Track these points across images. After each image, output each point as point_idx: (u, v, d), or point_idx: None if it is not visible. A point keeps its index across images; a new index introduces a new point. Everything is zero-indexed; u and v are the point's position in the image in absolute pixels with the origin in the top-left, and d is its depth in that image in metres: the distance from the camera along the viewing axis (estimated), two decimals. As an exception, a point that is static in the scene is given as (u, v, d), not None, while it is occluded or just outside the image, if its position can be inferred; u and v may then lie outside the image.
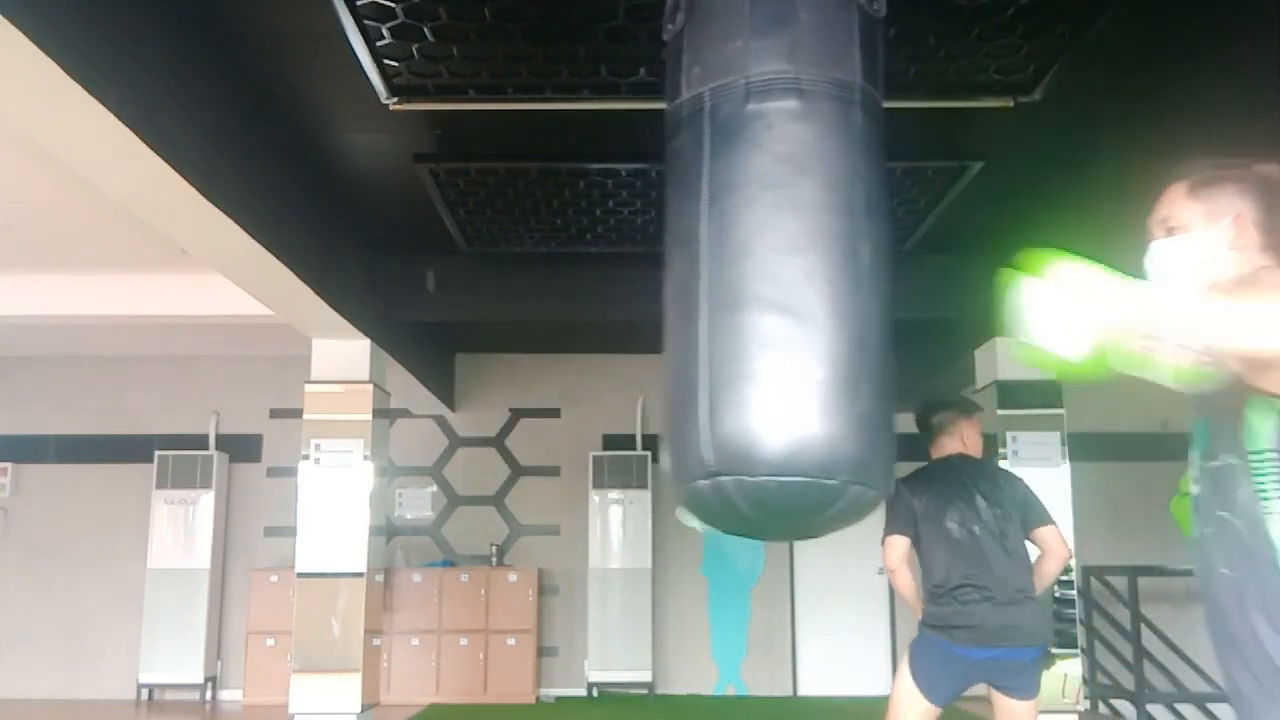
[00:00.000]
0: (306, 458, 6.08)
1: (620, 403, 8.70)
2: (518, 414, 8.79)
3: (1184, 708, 7.33)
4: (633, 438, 8.63)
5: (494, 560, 8.34)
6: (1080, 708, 5.78)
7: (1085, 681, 7.07)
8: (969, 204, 4.94)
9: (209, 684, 8.13)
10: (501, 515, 8.65)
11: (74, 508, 8.52)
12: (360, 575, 5.96)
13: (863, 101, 1.71)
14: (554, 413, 8.78)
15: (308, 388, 6.13)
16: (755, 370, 1.60)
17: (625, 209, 5.03)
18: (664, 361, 1.74)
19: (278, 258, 4.43)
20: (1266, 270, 1.64)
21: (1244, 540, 1.56)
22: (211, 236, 4.12)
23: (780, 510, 1.63)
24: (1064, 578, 5.98)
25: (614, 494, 8.35)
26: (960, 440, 3.65)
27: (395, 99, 3.83)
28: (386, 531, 7.17)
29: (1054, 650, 5.84)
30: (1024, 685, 3.41)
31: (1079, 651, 6.00)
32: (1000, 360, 6.04)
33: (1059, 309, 1.44)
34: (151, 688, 8.07)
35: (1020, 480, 3.63)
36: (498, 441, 8.76)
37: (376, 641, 6.26)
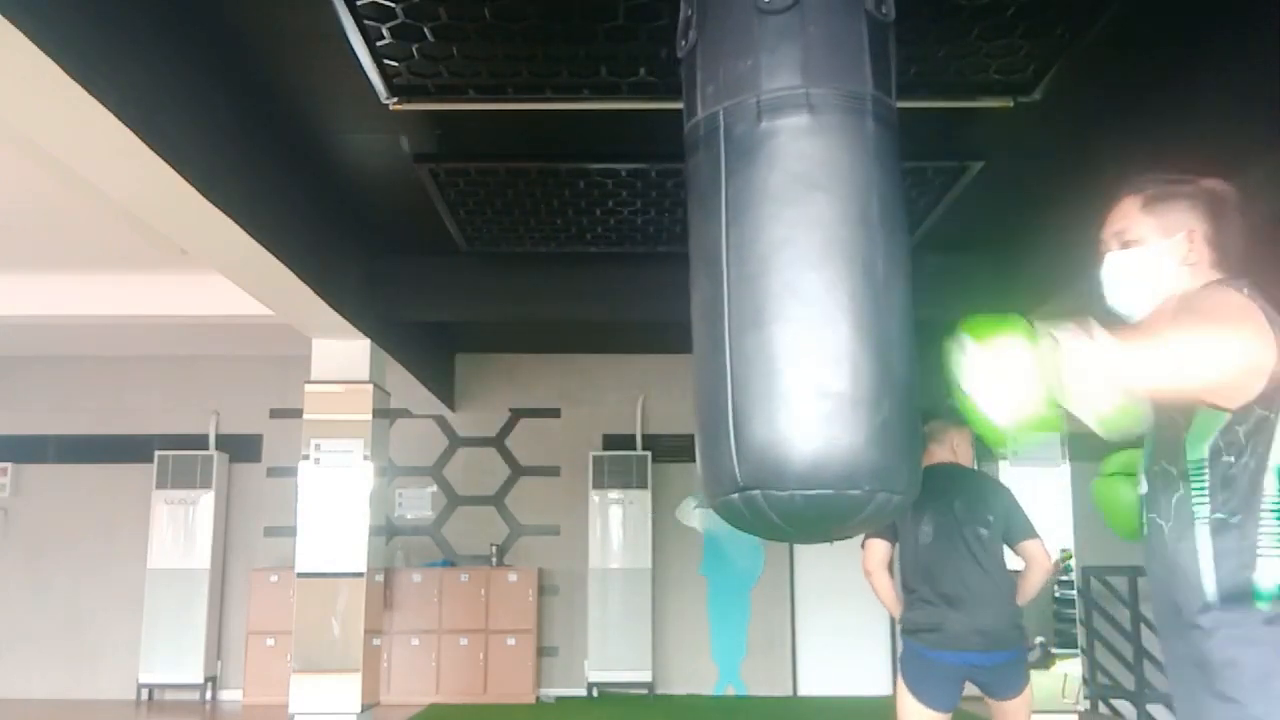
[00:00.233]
0: (306, 458, 6.08)
1: (620, 403, 8.71)
2: (518, 414, 8.79)
3: None
4: (633, 438, 8.63)
5: (494, 560, 8.34)
6: (1080, 708, 5.78)
7: (1085, 681, 7.08)
8: (969, 204, 4.94)
9: (209, 684, 8.13)
10: (501, 515, 8.65)
11: (74, 508, 8.52)
12: (360, 575, 5.96)
13: (874, 110, 1.72)
14: (554, 413, 8.78)
15: (308, 388, 6.13)
16: (778, 385, 1.63)
17: (625, 209, 5.03)
18: (694, 376, 1.78)
19: (278, 258, 4.43)
20: (1207, 292, 1.69)
21: (1169, 544, 1.67)
22: (211, 236, 4.12)
23: (811, 519, 1.67)
24: (1064, 578, 5.98)
25: (614, 494, 8.35)
26: (950, 449, 3.70)
27: (395, 99, 3.83)
28: (386, 531, 7.17)
29: (1054, 650, 5.87)
30: (1005, 686, 3.47)
31: (1079, 651, 6.00)
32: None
33: (998, 380, 1.58)
34: (151, 688, 8.07)
35: (1007, 491, 3.69)
36: (498, 441, 8.76)
37: (376, 641, 6.26)
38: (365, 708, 5.95)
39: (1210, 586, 1.60)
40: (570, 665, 8.33)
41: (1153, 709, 7.08)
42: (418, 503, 8.62)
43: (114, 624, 8.28)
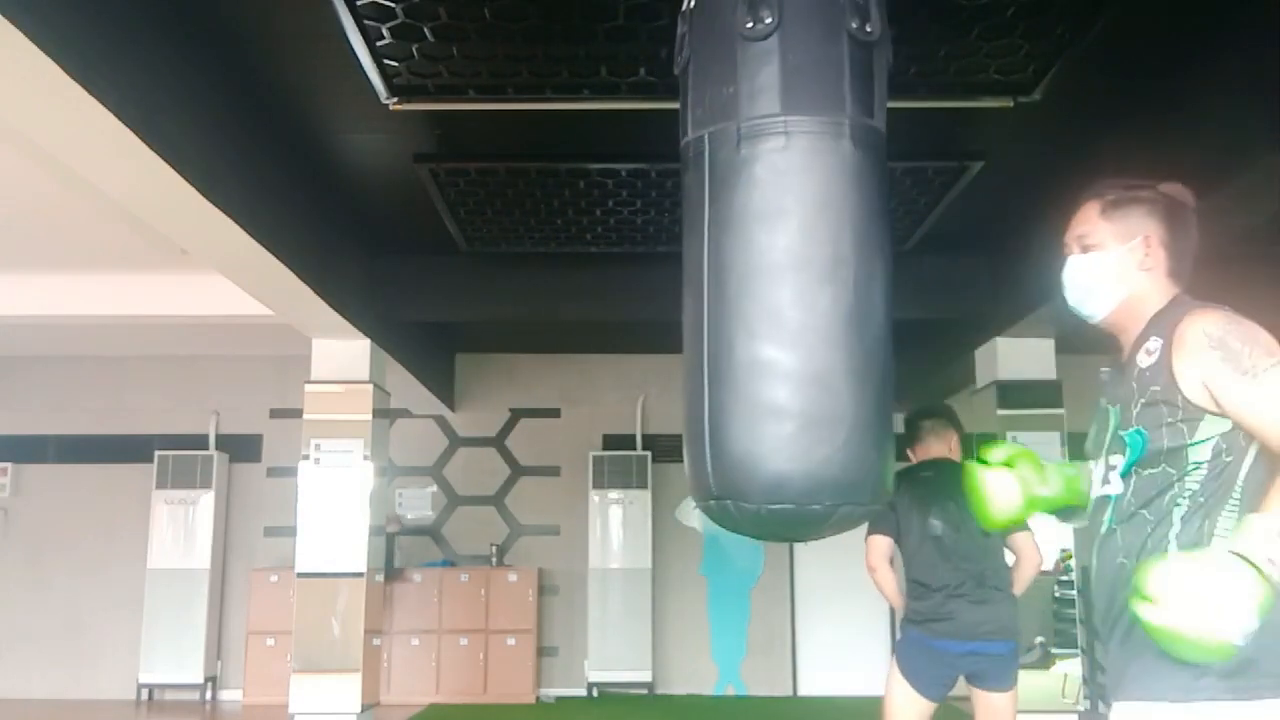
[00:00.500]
0: (306, 458, 6.08)
1: (620, 403, 8.71)
2: (518, 414, 8.79)
3: None
4: (633, 438, 8.63)
5: (494, 560, 8.34)
6: (1080, 707, 5.78)
7: (1085, 681, 7.07)
8: (969, 204, 4.94)
9: (209, 684, 8.13)
10: (501, 515, 8.65)
11: (74, 508, 8.52)
12: (360, 575, 5.96)
13: (853, 134, 1.77)
14: (554, 413, 8.78)
15: (308, 388, 6.13)
16: (747, 403, 1.71)
17: (625, 209, 5.03)
18: (682, 386, 1.87)
19: (278, 258, 4.43)
20: (1232, 341, 1.73)
21: (1149, 537, 1.76)
22: (211, 236, 4.12)
23: (777, 529, 1.78)
24: (1064, 578, 5.98)
25: (614, 494, 8.35)
26: (946, 445, 3.82)
27: (395, 99, 3.83)
28: (386, 531, 7.16)
29: (1054, 650, 5.87)
30: (1000, 677, 3.58)
31: (1079, 651, 6.00)
32: (1000, 360, 6.05)
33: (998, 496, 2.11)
34: (151, 688, 8.07)
35: None
36: (498, 441, 8.76)
37: (376, 641, 6.26)
38: (365, 708, 5.95)
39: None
40: (570, 665, 8.33)
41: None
42: (418, 503, 8.62)
43: (114, 624, 8.28)
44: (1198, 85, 3.71)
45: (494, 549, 8.40)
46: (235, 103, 3.97)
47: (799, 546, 8.45)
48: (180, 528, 8.17)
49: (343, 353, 6.10)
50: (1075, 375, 5.87)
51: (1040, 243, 5.17)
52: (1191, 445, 1.75)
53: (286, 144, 4.48)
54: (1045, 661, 5.76)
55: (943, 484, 3.65)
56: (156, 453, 8.30)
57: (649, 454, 8.44)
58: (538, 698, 8.03)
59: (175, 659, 7.99)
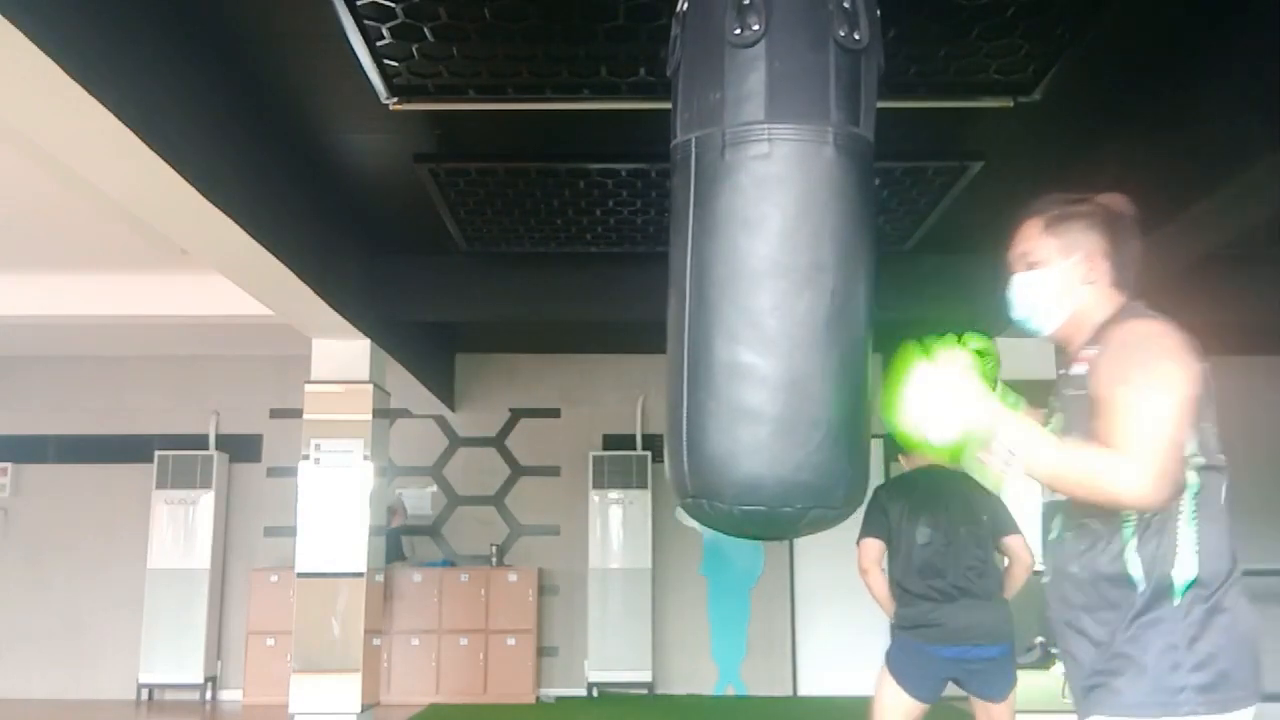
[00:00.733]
0: (306, 458, 6.08)
1: (620, 403, 8.70)
2: (518, 414, 8.79)
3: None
4: (633, 438, 8.63)
5: (494, 560, 8.34)
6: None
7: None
8: (969, 204, 4.94)
9: (209, 684, 8.13)
10: (501, 515, 8.65)
11: (74, 508, 8.52)
12: (360, 575, 5.96)
13: (836, 141, 1.78)
14: (554, 413, 8.78)
15: (308, 388, 6.13)
16: (722, 405, 1.74)
17: (625, 209, 5.03)
18: (665, 384, 1.89)
19: (278, 258, 4.43)
20: (1137, 353, 1.75)
21: (1099, 544, 1.78)
22: (211, 236, 4.12)
23: (750, 529, 1.81)
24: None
25: (614, 494, 8.35)
26: (939, 452, 3.80)
27: (395, 99, 3.83)
28: (386, 531, 7.17)
29: (1054, 650, 5.87)
30: (994, 686, 3.60)
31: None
32: (1000, 360, 6.04)
33: (939, 397, 1.74)
34: (151, 688, 8.07)
35: (991, 493, 3.81)
36: (498, 441, 8.76)
37: (376, 641, 6.26)
38: (365, 708, 5.95)
39: (1138, 576, 1.73)
40: (570, 665, 8.33)
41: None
42: (418, 503, 8.62)
43: (114, 624, 8.28)
44: (1198, 85, 3.71)
45: (494, 549, 8.40)
46: (235, 103, 3.97)
47: (800, 546, 8.45)
48: (180, 528, 8.17)
49: (343, 353, 6.10)
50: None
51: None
52: None
53: (286, 144, 4.48)
54: (1045, 662, 5.75)
55: (934, 492, 3.69)
56: (156, 453, 8.30)
57: (649, 454, 8.43)
58: (538, 698, 8.03)
59: (175, 659, 7.99)
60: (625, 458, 8.42)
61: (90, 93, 2.83)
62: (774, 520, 1.75)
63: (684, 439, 1.78)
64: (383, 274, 6.05)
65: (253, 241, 4.17)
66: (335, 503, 6.01)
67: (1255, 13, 3.27)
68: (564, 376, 8.79)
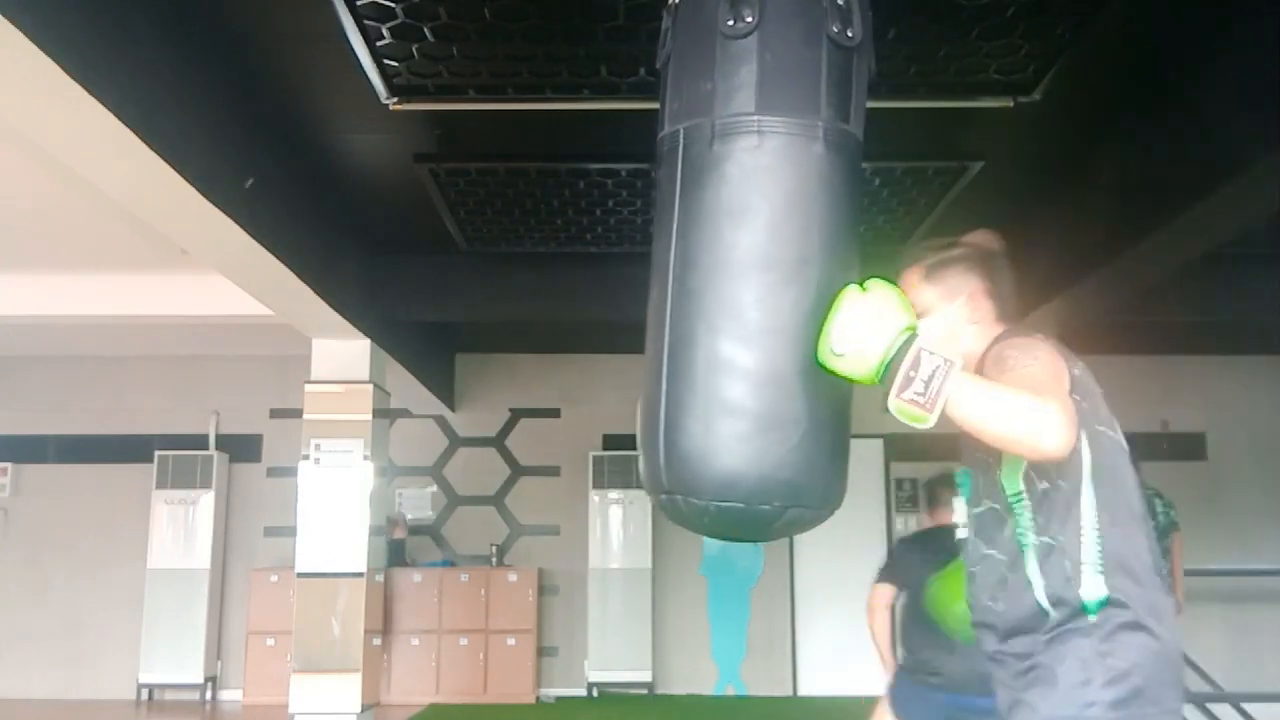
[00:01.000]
0: (306, 458, 6.08)
1: (620, 403, 8.69)
2: (518, 414, 8.79)
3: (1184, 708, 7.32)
4: (633, 438, 8.48)
5: (494, 560, 8.34)
6: None
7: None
8: (969, 204, 4.94)
9: (209, 684, 8.13)
10: (501, 515, 8.65)
11: (74, 508, 8.52)
12: (360, 575, 5.96)
13: (826, 136, 1.76)
14: (554, 413, 8.78)
15: (308, 388, 6.13)
16: (701, 399, 1.71)
17: (625, 209, 5.03)
18: (642, 377, 1.85)
19: (278, 258, 4.43)
20: (1009, 351, 1.77)
21: (1006, 574, 1.77)
22: (211, 236, 4.12)
23: (726, 527, 1.77)
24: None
25: (614, 494, 8.35)
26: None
27: (395, 99, 3.83)
28: (386, 531, 7.17)
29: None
30: None
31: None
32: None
33: (865, 322, 1.61)
34: (151, 688, 8.07)
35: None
36: (498, 441, 8.76)
37: (376, 641, 6.27)
38: (365, 708, 5.95)
39: (1045, 603, 1.72)
40: (570, 665, 8.33)
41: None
42: (418, 503, 8.61)
43: (114, 624, 8.27)
44: (1197, 85, 3.71)
45: (494, 549, 8.40)
46: (235, 103, 3.97)
47: (800, 547, 8.45)
48: (180, 528, 8.17)
49: (343, 353, 6.10)
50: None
51: (1040, 243, 5.17)
52: (1003, 476, 1.78)
53: (286, 144, 4.48)
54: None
55: (949, 550, 3.72)
56: (156, 453, 8.30)
57: (649, 454, 8.42)
58: (538, 698, 8.03)
59: (175, 659, 7.99)
60: (625, 458, 8.41)
61: (90, 92, 2.83)
62: (750, 518, 1.71)
63: (661, 433, 1.75)
64: (383, 274, 6.05)
65: (253, 241, 4.17)
66: (335, 503, 6.01)
67: (1255, 13, 3.27)
68: (564, 376, 8.79)
